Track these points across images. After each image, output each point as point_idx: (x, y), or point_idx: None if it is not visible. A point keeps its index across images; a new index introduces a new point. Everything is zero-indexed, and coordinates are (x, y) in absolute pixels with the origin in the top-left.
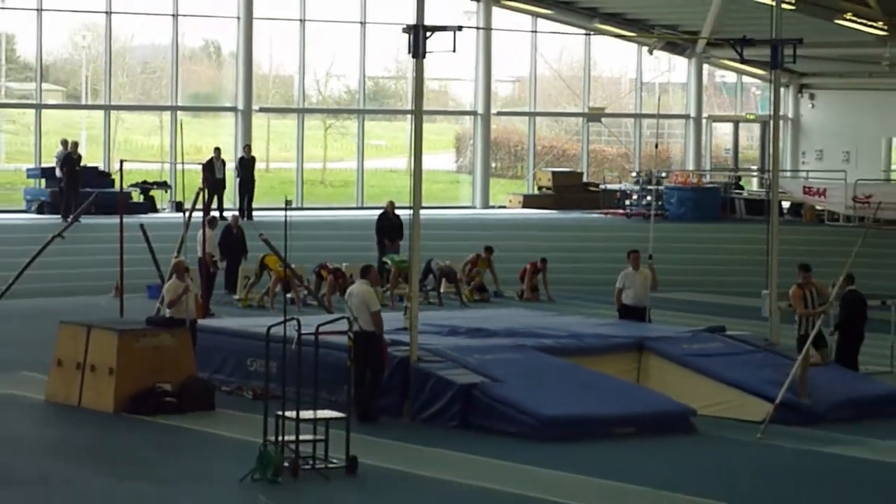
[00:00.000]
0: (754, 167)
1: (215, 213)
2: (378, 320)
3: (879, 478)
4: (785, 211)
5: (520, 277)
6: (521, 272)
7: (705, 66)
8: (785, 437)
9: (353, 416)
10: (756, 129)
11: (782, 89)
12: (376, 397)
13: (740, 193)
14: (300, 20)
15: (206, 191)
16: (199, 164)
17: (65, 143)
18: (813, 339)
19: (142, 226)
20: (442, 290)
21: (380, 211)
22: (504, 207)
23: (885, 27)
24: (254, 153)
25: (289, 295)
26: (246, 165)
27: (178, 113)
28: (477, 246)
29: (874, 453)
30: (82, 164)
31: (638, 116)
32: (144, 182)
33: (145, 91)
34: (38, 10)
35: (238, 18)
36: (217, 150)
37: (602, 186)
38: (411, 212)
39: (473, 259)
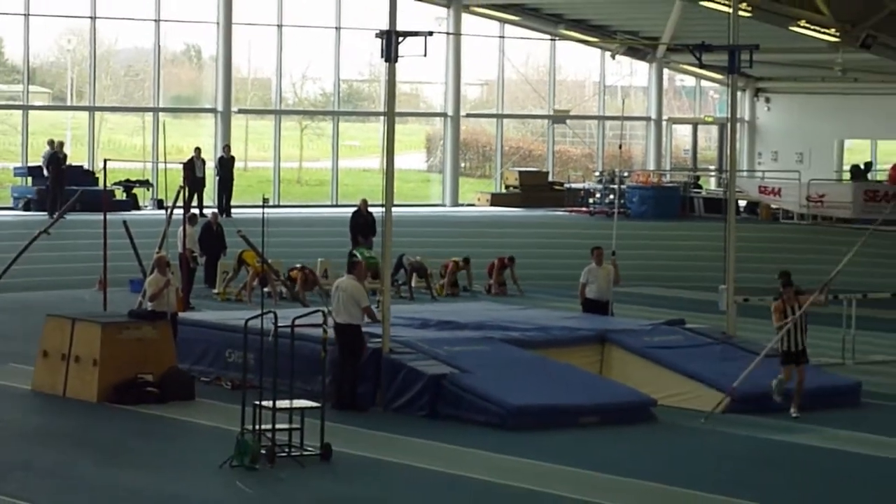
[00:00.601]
0: (712, 167)
1: (195, 211)
2: (370, 313)
3: (830, 464)
4: (741, 209)
5: (487, 272)
6: (488, 267)
7: (665, 71)
8: (741, 426)
9: (327, 405)
10: (714, 130)
11: (739, 93)
12: (356, 386)
13: (699, 192)
14: (277, 25)
15: (187, 189)
16: (180, 163)
17: (51, 143)
18: (796, 357)
19: (125, 222)
20: (413, 285)
21: (353, 209)
22: (473, 205)
23: (837, 34)
24: (233, 153)
25: (266, 289)
26: (225, 165)
27: (160, 114)
28: (446, 242)
29: (826, 441)
30: (68, 163)
31: (601, 118)
32: (127, 180)
33: (128, 93)
34: (25, 14)
35: (218, 24)
36: (197, 149)
37: (567, 185)
38: (384, 209)
39: (453, 268)
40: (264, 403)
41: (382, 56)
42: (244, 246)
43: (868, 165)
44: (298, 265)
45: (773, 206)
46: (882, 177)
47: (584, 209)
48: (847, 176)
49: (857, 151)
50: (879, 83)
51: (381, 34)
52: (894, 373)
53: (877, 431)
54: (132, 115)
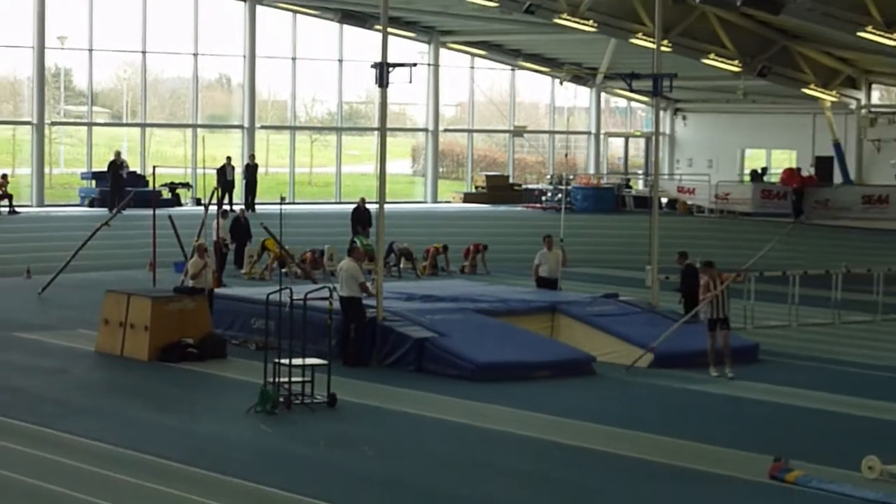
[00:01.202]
0: (640, 171)
1: (227, 207)
2: (365, 288)
3: (735, 408)
4: (663, 205)
5: (464, 255)
6: (464, 251)
7: (603, 94)
8: (663, 378)
9: (333, 362)
10: (642, 142)
11: (661, 112)
12: (360, 347)
13: (630, 191)
14: (292, 58)
15: (220, 190)
16: (214, 169)
17: (116, 153)
18: (719, 323)
19: (170, 217)
20: (401, 266)
21: (353, 205)
22: (449, 202)
23: (739, 65)
24: (256, 161)
25: (283, 270)
26: (250, 170)
27: (198, 129)
28: (428, 231)
29: (731, 390)
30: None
31: (552, 133)
32: (172, 183)
33: (172, 112)
34: (89, 49)
35: (244, 57)
36: (228, 158)
37: (524, 186)
38: (378, 205)
39: (433, 253)
40: (282, 361)
41: (376, 82)
42: (266, 235)
43: (764, 170)
44: (308, 251)
45: (689, 202)
46: (775, 179)
47: (537, 205)
48: (747, 178)
49: (755, 159)
50: (772, 104)
51: (375, 65)
52: (784, 335)
53: (771, 382)
54: (175, 131)
